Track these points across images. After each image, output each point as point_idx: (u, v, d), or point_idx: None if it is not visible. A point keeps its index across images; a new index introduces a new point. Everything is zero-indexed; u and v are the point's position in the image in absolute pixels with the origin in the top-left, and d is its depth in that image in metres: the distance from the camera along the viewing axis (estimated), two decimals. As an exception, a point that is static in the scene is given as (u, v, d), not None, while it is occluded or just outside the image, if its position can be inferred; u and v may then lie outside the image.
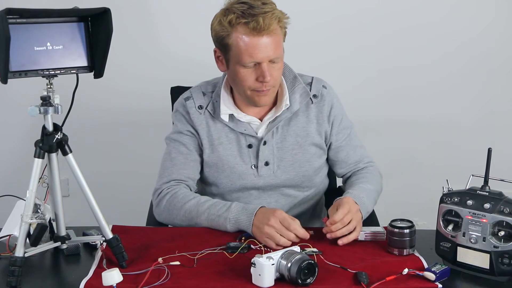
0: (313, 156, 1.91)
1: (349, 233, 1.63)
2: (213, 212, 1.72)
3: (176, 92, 2.18)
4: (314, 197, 1.99)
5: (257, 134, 1.86)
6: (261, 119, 1.88)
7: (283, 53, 1.78)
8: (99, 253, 1.56)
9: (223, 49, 1.77)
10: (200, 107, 1.87)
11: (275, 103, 1.87)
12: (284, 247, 1.53)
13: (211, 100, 1.88)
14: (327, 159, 1.99)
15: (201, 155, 1.89)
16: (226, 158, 1.87)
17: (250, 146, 1.87)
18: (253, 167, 1.87)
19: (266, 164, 1.87)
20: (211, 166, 1.89)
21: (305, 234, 1.61)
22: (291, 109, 1.86)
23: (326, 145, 1.95)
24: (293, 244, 1.56)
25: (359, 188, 1.82)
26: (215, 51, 1.82)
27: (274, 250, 1.56)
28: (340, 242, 1.62)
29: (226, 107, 1.85)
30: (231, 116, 1.86)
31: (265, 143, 1.86)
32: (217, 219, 1.71)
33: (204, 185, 1.97)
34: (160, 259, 1.48)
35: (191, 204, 1.76)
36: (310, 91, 1.89)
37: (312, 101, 1.89)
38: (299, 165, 1.89)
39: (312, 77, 1.93)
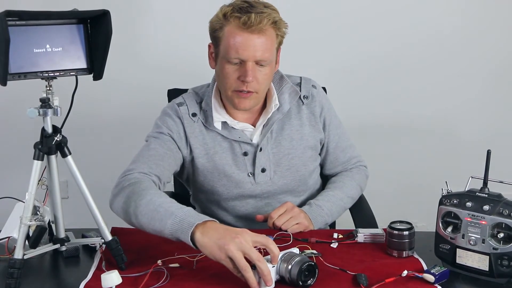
0: (309, 159, 1.90)
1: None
2: (163, 206, 1.47)
3: (174, 94, 2.17)
4: None
5: (252, 141, 1.84)
6: (253, 125, 1.85)
7: (272, 58, 1.73)
8: (98, 255, 1.56)
9: (215, 42, 1.74)
10: (194, 114, 1.83)
11: (264, 107, 1.85)
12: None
13: (201, 109, 1.84)
14: None
15: (179, 158, 1.81)
16: (222, 167, 1.83)
17: (245, 153, 1.83)
18: (249, 175, 1.84)
19: (263, 170, 1.84)
20: (206, 174, 1.84)
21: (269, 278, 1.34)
22: (282, 110, 1.84)
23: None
24: (292, 245, 1.55)
25: (326, 197, 1.84)
26: (209, 46, 1.79)
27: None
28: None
29: (219, 114, 1.81)
30: (224, 124, 1.82)
31: (261, 149, 1.83)
32: (164, 213, 1.44)
33: (198, 193, 1.93)
34: (159, 261, 1.48)
35: (150, 194, 1.53)
36: (300, 91, 1.87)
37: (303, 102, 1.87)
38: (296, 169, 1.88)
39: (301, 77, 1.91)
